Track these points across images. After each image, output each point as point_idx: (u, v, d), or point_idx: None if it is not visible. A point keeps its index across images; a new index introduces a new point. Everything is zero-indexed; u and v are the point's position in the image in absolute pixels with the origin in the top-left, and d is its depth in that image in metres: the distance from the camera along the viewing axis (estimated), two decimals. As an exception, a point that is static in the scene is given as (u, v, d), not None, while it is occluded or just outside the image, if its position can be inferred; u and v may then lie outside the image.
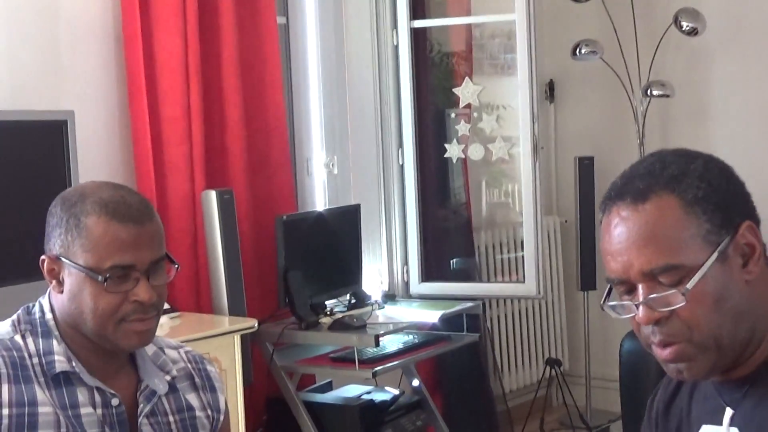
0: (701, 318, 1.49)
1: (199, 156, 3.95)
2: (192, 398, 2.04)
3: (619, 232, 1.52)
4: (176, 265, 1.96)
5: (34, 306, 1.95)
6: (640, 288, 1.52)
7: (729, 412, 1.58)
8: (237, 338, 3.57)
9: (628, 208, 1.52)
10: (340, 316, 4.14)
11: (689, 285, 1.48)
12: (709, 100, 5.44)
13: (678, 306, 1.49)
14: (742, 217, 1.53)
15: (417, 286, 4.95)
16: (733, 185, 1.56)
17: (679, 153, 1.58)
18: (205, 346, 3.36)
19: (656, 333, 1.52)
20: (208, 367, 2.11)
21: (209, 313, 3.86)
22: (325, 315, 4.16)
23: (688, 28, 5.04)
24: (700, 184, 1.51)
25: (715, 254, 1.49)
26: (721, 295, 1.49)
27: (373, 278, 4.88)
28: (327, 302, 4.31)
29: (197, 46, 3.93)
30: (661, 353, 1.53)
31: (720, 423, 1.59)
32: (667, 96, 5.22)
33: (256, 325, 3.67)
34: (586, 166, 5.37)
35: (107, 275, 1.85)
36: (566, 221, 5.78)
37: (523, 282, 4.89)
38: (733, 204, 1.53)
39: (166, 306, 3.59)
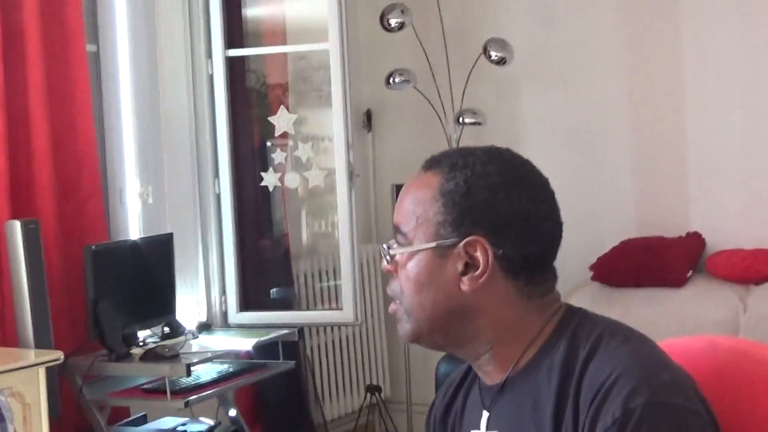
0: (405, 289, 1.63)
1: (4, 185, 3.85)
2: None
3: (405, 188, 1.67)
4: None
5: None
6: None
7: (485, 414, 1.66)
8: (42, 371, 3.46)
9: (420, 171, 1.65)
10: (152, 346, 4.07)
11: (392, 251, 1.62)
12: (519, 127, 5.59)
13: (384, 262, 1.64)
14: (480, 232, 1.57)
15: (235, 316, 4.90)
16: (497, 202, 1.58)
17: (490, 152, 1.64)
18: (9, 380, 3.28)
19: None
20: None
21: (15, 347, 3.75)
22: (138, 346, 4.08)
23: (496, 58, 5.16)
24: (462, 183, 1.58)
25: (432, 244, 1.59)
26: (424, 281, 1.60)
27: (191, 308, 4.82)
28: (140, 333, 4.23)
29: (2, 72, 3.85)
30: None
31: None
32: (479, 123, 5.34)
33: (62, 357, 3.57)
34: (402, 194, 5.41)
35: None
36: (385, 249, 5.82)
37: (341, 309, 4.91)
38: (480, 216, 1.58)
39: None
